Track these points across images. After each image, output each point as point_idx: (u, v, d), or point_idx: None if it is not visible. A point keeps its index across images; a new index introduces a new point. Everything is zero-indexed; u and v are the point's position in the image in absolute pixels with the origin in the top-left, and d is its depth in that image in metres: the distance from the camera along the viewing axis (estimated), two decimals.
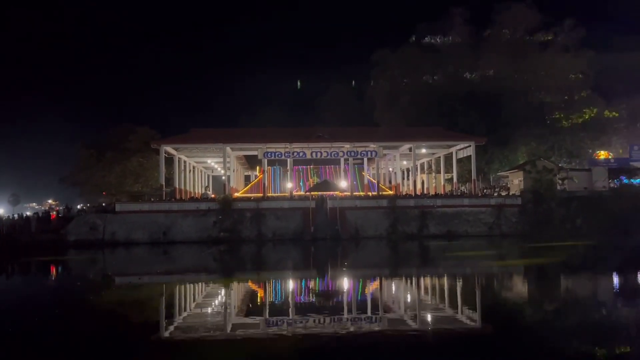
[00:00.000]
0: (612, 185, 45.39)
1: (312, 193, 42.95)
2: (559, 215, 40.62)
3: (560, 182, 44.06)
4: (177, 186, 47.48)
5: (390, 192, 49.25)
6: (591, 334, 11.19)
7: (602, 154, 56.47)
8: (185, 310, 14.88)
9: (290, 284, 19.69)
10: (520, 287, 18.93)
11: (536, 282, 19.54)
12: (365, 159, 50.68)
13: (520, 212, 41.36)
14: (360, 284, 19.63)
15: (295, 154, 45.83)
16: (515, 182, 48.90)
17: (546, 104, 61.61)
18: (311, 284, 19.78)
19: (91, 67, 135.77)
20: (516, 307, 14.71)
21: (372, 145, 46.60)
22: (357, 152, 46.69)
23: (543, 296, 16.46)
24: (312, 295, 17.09)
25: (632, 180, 45.96)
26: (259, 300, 16.32)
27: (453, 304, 14.69)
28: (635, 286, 17.98)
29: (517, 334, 11.35)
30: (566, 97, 61.85)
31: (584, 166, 52.81)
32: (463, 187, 52.53)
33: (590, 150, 59.01)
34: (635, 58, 64.84)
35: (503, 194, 47.12)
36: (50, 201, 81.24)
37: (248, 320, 13.03)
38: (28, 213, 53.93)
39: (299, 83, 55.45)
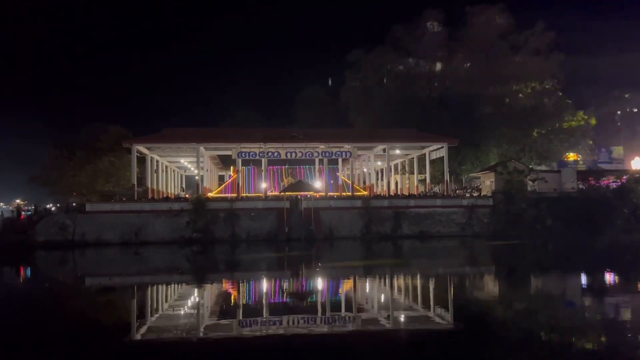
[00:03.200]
0: (580, 186, 46.44)
1: (286, 193, 42.87)
2: (530, 216, 41.38)
3: (530, 183, 44.91)
4: (150, 186, 46.85)
5: (365, 193, 49.51)
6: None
7: (571, 156, 57.78)
8: (157, 311, 14.70)
9: (264, 285, 19.62)
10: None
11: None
12: (340, 160, 50.83)
13: (492, 212, 42.02)
14: (333, 283, 19.67)
15: (269, 154, 45.69)
16: (487, 183, 49.65)
17: (517, 106, 62.62)
18: (285, 285, 19.74)
19: (63, 65, 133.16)
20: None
21: (346, 146, 46.77)
22: (332, 152, 46.79)
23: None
24: (286, 296, 17.06)
25: (599, 182, 47.08)
26: (232, 302, 16.22)
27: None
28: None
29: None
30: (537, 100, 62.94)
31: (553, 168, 53.94)
32: (436, 188, 53.11)
33: (560, 153, 60.29)
34: (604, 62, 66.53)
35: (475, 194, 47.79)
36: (18, 201, 79.29)
37: (221, 321, 12.94)
38: None
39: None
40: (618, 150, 64.20)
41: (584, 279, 20.04)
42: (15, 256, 32.83)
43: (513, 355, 9.61)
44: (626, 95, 77.57)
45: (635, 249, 30.80)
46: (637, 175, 46.15)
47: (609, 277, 20.17)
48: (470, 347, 10.22)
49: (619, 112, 78.33)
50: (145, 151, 46.42)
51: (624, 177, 46.28)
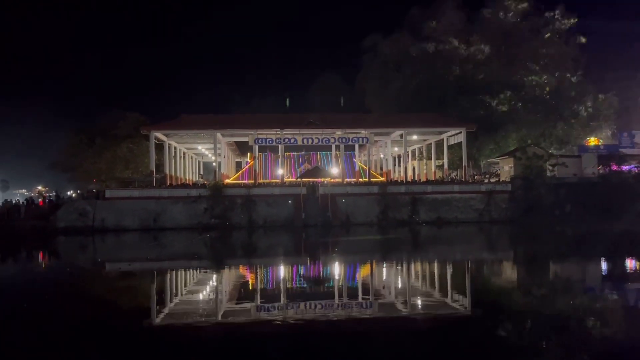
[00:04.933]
0: (601, 171, 45.69)
1: (303, 180, 42.90)
2: (549, 202, 40.90)
3: (550, 168, 44.32)
4: (168, 172, 47.23)
5: (381, 179, 49.32)
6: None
7: (592, 141, 56.79)
8: (176, 296, 14.86)
9: (282, 270, 19.72)
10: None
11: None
12: (357, 146, 50.64)
13: (510, 198, 41.59)
14: (350, 269, 19.69)
15: (286, 140, 45.68)
16: (506, 168, 49.09)
17: (537, 90, 61.58)
18: (302, 270, 19.81)
19: (81, 52, 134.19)
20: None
21: (363, 132, 46.54)
22: (349, 138, 46.65)
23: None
24: (303, 281, 17.12)
25: (621, 167, 46.27)
26: (250, 287, 16.33)
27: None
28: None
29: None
30: (557, 84, 61.81)
31: (574, 153, 53.09)
32: (454, 174, 52.68)
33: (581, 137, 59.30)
34: (627, 45, 64.99)
35: (493, 180, 47.33)
36: (40, 187, 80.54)
37: (239, 306, 13.04)
38: (18, 199, 53.51)
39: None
40: None
41: (602, 266, 19.77)
42: (36, 242, 33.42)
43: (529, 343, 9.53)
44: None
45: None
46: None
47: (629, 264, 19.86)
48: (487, 334, 10.16)
49: None
50: (163, 138, 46.73)
51: None
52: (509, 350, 9.03)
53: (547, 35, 62.81)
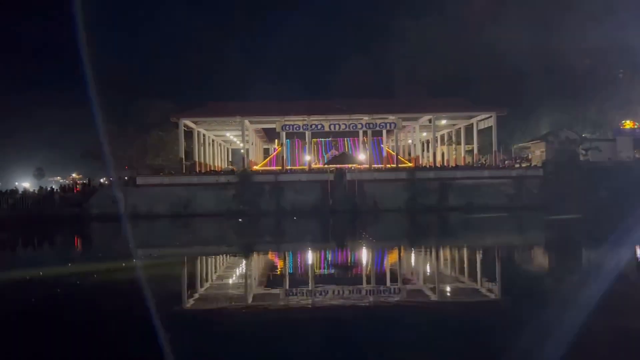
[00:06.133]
0: (637, 155, 44.42)
1: (330, 166, 42.88)
2: (582, 187, 39.98)
3: (583, 152, 43.27)
4: (197, 159, 47.79)
5: (410, 165, 48.94)
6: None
7: (628, 124, 55.10)
8: (207, 281, 15.08)
9: (310, 256, 19.82)
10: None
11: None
12: (384, 131, 50.30)
13: (542, 183, 40.82)
14: (378, 255, 19.66)
15: (313, 126, 45.67)
16: (537, 153, 48.17)
17: (570, 72, 60.02)
18: (330, 256, 19.88)
19: (110, 38, 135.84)
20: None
21: (390, 117, 46.17)
22: (376, 124, 46.37)
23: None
24: (332, 267, 17.18)
25: None
26: (278, 271, 16.46)
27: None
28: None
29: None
30: (592, 66, 60.11)
31: (608, 136, 51.69)
32: (484, 159, 51.93)
33: (616, 120, 57.62)
34: None
35: (524, 165, 46.49)
36: (74, 175, 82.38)
37: (269, 291, 13.17)
38: (53, 187, 54.94)
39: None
40: None
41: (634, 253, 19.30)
42: (71, 228, 34.29)
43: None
44: None
45: None
46: None
47: None
48: (516, 322, 10.04)
49: None
50: (192, 125, 47.23)
51: None
52: (535, 338, 8.91)
53: (580, 14, 60.95)
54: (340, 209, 38.73)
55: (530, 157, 50.71)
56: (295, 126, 45.76)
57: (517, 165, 46.55)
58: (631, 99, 59.32)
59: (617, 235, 24.19)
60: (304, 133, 47.09)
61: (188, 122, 46.37)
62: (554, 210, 37.29)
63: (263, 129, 55.90)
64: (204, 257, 20.04)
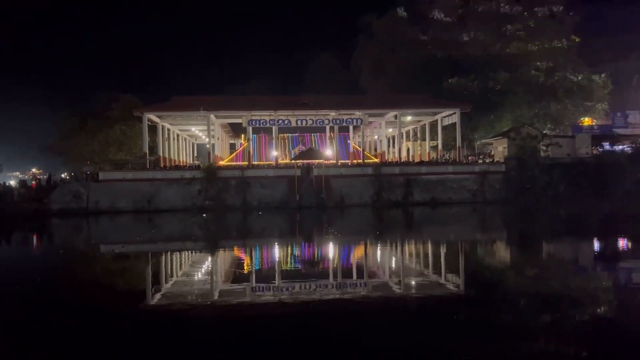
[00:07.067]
0: (594, 152, 45.85)
1: (297, 161, 42.85)
2: (542, 182, 41.09)
3: (544, 148, 44.44)
4: (161, 154, 47.05)
5: (376, 160, 49.32)
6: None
7: (586, 121, 56.82)
8: (171, 277, 14.90)
9: (276, 251, 19.78)
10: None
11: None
12: (351, 127, 50.50)
13: (504, 179, 41.77)
14: (344, 250, 19.77)
15: (280, 121, 45.51)
16: (500, 149, 49.21)
17: (531, 70, 61.46)
18: (296, 251, 19.88)
19: (73, 33, 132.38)
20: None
21: (357, 113, 46.40)
22: (343, 120, 46.51)
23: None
24: (298, 262, 17.19)
25: (614, 147, 46.46)
26: (244, 268, 16.38)
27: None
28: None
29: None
30: (551, 64, 61.67)
31: (567, 133, 53.20)
32: (448, 155, 52.76)
33: (575, 117, 59.33)
34: (620, 25, 64.77)
35: (487, 161, 47.44)
36: (34, 170, 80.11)
37: (235, 287, 13.09)
38: (12, 182, 53.29)
39: None
40: (634, 115, 62.91)
41: (594, 245, 19.97)
42: (30, 224, 33.34)
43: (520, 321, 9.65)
44: None
45: None
46: None
47: (620, 243, 20.05)
48: (479, 312, 10.27)
49: (636, 76, 76.52)
50: (156, 120, 46.46)
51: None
52: (500, 329, 9.14)
53: (542, 15, 62.54)
54: (307, 204, 38.78)
55: (492, 153, 51.75)
56: (262, 121, 45.53)
57: (480, 161, 47.47)
58: (590, 97, 61.21)
59: (573, 228, 25.02)
60: (271, 128, 46.87)
61: (152, 117, 45.58)
62: (515, 204, 38.30)
63: (229, 123, 55.42)
64: (167, 253, 19.78)
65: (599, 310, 10.46)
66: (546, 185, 40.89)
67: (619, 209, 33.05)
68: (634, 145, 45.40)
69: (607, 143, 46.51)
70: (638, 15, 68.20)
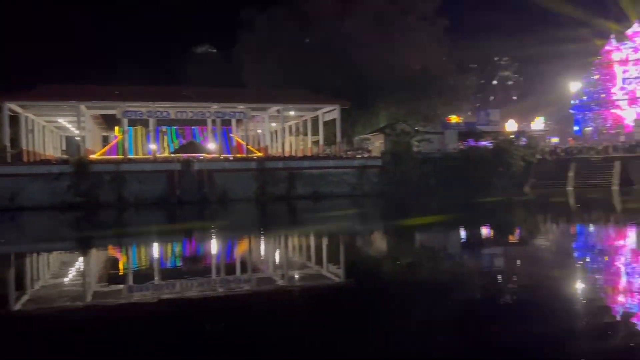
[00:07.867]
0: (461, 147, 49.53)
1: (177, 155, 41.48)
2: (415, 175, 43.62)
3: (416, 144, 47.17)
4: (25, 147, 43.12)
5: (259, 154, 49.23)
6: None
7: (454, 119, 61.28)
8: (38, 280, 13.73)
9: (153, 249, 19.03)
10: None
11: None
12: (234, 121, 49.89)
13: (381, 172, 43.75)
14: (226, 245, 19.56)
15: (158, 113, 43.72)
16: (377, 144, 51.43)
17: (406, 69, 64.80)
18: (176, 248, 19.29)
19: None
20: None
21: (240, 107, 45.97)
22: (225, 113, 45.84)
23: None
24: (177, 259, 16.70)
25: (478, 143, 50.54)
26: (120, 267, 15.56)
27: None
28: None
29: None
30: (424, 64, 65.43)
31: (437, 129, 56.95)
32: (329, 149, 54.10)
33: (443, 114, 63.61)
34: (486, 30, 70.60)
35: (365, 155, 49.36)
36: None
37: (109, 288, 12.40)
38: None
39: None
40: (494, 113, 69.06)
41: (460, 234, 21.65)
42: None
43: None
44: (502, 62, 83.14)
45: (505, 205, 33.77)
46: (510, 137, 50.16)
47: (484, 232, 21.91)
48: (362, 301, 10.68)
49: (497, 77, 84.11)
50: (19, 109, 42.43)
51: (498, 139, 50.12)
52: (381, 314, 9.56)
53: (414, 15, 66.12)
54: (188, 199, 37.73)
55: (370, 148, 53.93)
56: (138, 112, 43.35)
57: (359, 156, 49.25)
58: (458, 96, 66.04)
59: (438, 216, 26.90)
60: (148, 120, 44.83)
61: (13, 106, 41.49)
62: (391, 196, 40.33)
63: (102, 115, 51.97)
64: (33, 255, 18.22)
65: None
66: (419, 179, 43.47)
67: (481, 199, 36.08)
68: (494, 141, 49.74)
69: (471, 140, 50.46)
70: (503, 21, 74.88)
